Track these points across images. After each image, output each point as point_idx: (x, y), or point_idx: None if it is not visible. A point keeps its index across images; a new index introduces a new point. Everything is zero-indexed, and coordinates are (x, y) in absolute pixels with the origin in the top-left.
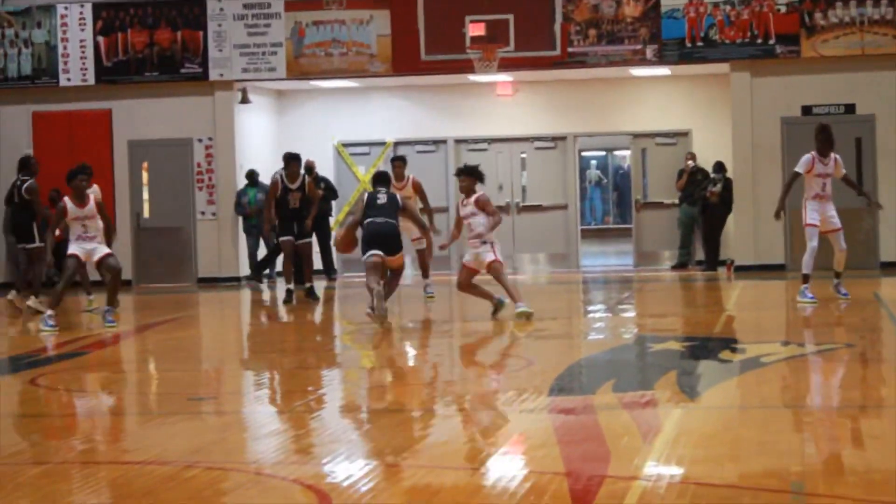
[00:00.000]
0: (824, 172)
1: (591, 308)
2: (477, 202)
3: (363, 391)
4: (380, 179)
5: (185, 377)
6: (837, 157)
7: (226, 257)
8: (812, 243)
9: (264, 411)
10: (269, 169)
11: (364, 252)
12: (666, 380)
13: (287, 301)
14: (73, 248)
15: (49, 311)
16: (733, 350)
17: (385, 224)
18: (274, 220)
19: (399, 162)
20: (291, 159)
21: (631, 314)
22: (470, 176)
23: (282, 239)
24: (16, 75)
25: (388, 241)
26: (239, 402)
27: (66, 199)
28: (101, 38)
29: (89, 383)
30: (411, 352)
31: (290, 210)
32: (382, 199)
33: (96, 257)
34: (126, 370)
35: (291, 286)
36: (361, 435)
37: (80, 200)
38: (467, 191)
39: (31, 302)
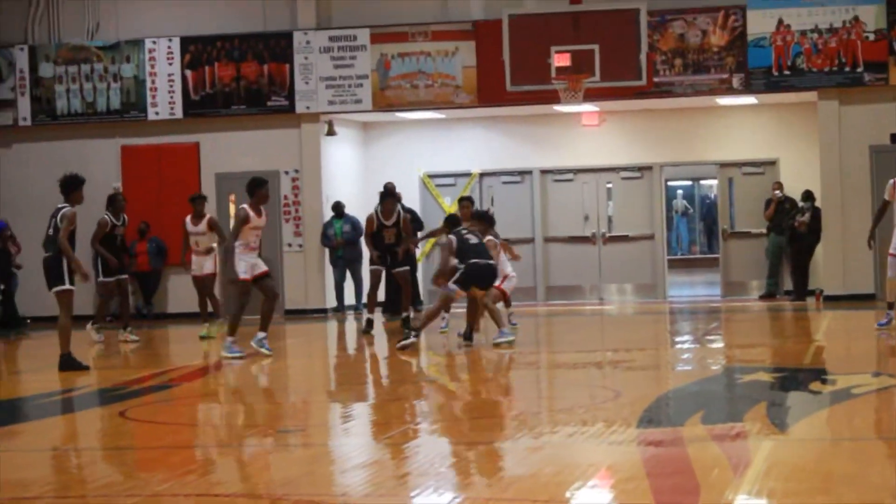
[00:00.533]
0: None
1: (678, 339)
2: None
3: (451, 423)
4: (454, 222)
5: (273, 409)
6: None
7: (312, 289)
8: (890, 272)
9: (353, 443)
10: (355, 200)
11: (465, 287)
12: (755, 411)
13: (366, 331)
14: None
15: (231, 338)
16: (823, 381)
17: (488, 266)
18: (374, 253)
19: (467, 202)
20: (387, 195)
21: (719, 345)
22: (480, 221)
23: (371, 268)
24: (105, 109)
25: (489, 279)
26: (326, 434)
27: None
28: (188, 72)
29: (178, 415)
30: (499, 382)
31: (384, 246)
32: (474, 239)
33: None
34: (213, 403)
35: (372, 316)
36: (450, 467)
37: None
38: (483, 232)
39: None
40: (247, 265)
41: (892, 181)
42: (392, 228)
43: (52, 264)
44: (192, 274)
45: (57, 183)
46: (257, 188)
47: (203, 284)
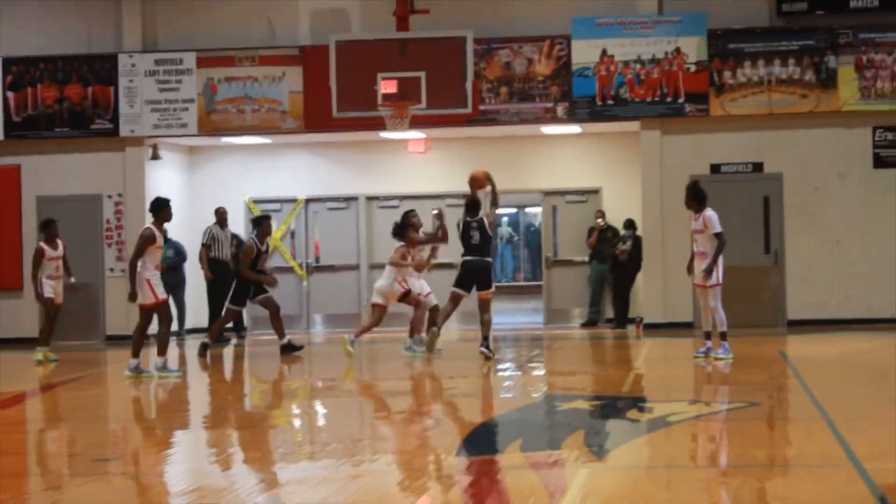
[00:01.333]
0: (696, 228)
1: (500, 366)
2: None
3: (266, 452)
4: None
5: (90, 437)
6: (707, 214)
7: (134, 314)
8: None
9: (173, 472)
10: (179, 225)
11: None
12: (574, 439)
13: (202, 354)
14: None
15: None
16: (641, 409)
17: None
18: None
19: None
20: (263, 220)
21: (540, 372)
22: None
23: (232, 307)
24: None
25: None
26: (145, 463)
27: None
28: (10, 93)
29: None
30: (312, 409)
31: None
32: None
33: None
34: (29, 430)
35: (208, 341)
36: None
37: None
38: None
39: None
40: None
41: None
42: (265, 255)
43: None
44: (47, 297)
45: None
46: (162, 208)
47: (57, 309)
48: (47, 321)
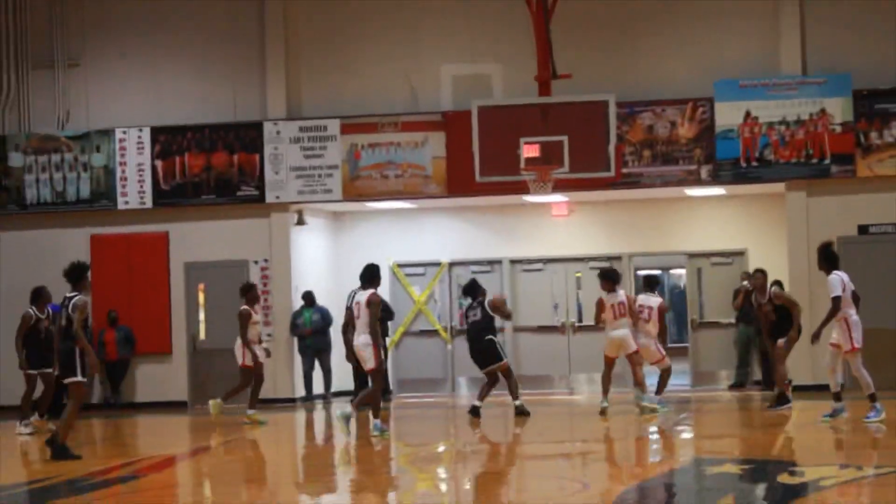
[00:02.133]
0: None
1: (647, 428)
2: None
3: None
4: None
5: (235, 500)
6: (829, 278)
7: (281, 378)
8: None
9: None
10: (324, 290)
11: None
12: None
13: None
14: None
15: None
16: (791, 473)
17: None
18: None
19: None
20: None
21: (688, 435)
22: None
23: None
24: (75, 199)
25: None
26: None
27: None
28: (158, 162)
29: None
30: (473, 471)
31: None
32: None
33: None
34: (179, 494)
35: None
36: None
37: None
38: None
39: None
40: None
41: (838, 276)
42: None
43: (68, 355)
44: (260, 362)
45: (62, 272)
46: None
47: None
48: (256, 384)
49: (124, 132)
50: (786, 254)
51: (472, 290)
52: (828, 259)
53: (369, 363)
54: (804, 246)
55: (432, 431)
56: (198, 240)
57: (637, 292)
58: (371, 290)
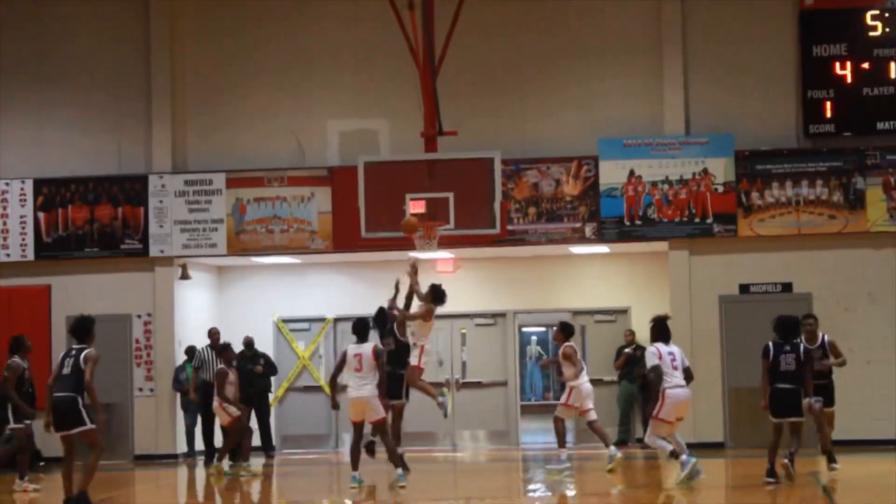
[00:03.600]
0: None
1: (530, 487)
2: None
3: None
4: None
5: None
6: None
7: (163, 434)
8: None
9: None
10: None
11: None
12: None
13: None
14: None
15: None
16: None
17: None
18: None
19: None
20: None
21: (571, 492)
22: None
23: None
24: None
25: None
26: None
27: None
28: (41, 214)
29: None
30: None
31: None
32: None
33: None
34: None
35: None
36: None
37: None
38: None
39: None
40: None
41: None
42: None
43: (70, 405)
44: (237, 416)
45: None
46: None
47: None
48: (240, 437)
49: (7, 183)
50: (669, 312)
51: (381, 317)
52: (659, 331)
53: (379, 414)
54: (686, 304)
55: (314, 488)
56: (80, 293)
57: (524, 347)
58: (374, 343)
